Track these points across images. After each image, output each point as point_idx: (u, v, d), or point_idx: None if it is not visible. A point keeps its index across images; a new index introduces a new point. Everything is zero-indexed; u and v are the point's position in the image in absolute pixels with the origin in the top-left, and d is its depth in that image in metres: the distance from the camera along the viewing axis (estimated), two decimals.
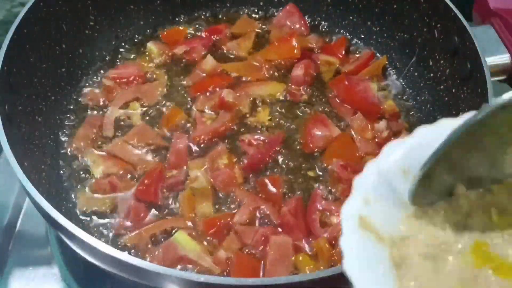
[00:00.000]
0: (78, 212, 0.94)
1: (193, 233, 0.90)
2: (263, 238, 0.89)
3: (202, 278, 0.67)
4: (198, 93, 1.11)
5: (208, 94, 1.10)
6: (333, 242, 0.89)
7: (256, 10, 1.28)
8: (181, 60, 1.18)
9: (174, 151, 1.00)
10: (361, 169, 0.97)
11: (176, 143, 1.01)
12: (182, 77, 1.15)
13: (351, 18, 1.23)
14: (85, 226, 0.92)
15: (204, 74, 1.14)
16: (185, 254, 0.86)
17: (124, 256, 0.68)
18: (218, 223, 0.91)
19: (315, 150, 1.02)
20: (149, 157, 1.01)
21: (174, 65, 1.17)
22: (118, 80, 1.12)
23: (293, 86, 1.12)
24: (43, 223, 1.06)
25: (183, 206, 0.94)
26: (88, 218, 0.94)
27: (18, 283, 0.98)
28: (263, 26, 1.24)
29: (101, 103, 1.09)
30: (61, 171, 0.99)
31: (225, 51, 1.20)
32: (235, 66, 1.16)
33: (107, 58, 1.17)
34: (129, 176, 0.99)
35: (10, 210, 1.07)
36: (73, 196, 0.96)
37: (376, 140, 1.04)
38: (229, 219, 0.92)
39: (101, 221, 0.93)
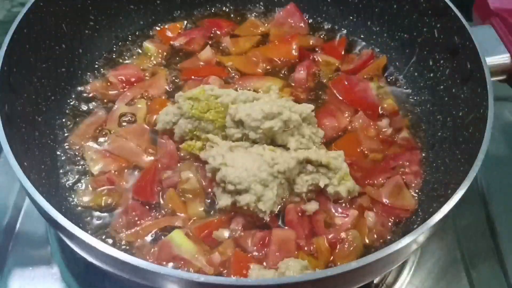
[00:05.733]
0: (77, 211, 0.94)
1: (190, 233, 0.91)
2: (261, 241, 0.89)
3: (202, 278, 0.67)
4: (191, 77, 1.13)
5: (197, 82, 1.11)
6: (335, 243, 0.90)
7: (256, 9, 1.29)
8: (180, 53, 1.19)
9: (164, 154, 1.00)
10: (367, 167, 0.98)
11: (165, 145, 1.01)
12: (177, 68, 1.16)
13: (351, 18, 1.24)
14: (84, 226, 0.92)
15: (202, 63, 1.16)
16: (179, 254, 0.87)
17: (123, 256, 0.69)
18: (210, 229, 0.91)
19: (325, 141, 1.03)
20: (145, 155, 1.01)
21: (173, 59, 1.18)
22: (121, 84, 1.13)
23: (297, 88, 1.13)
24: (43, 223, 1.06)
25: (171, 205, 0.94)
26: (87, 218, 0.94)
27: (18, 282, 0.99)
28: (264, 26, 1.25)
29: (103, 101, 1.10)
30: (61, 171, 1.00)
31: (224, 46, 1.21)
32: (232, 59, 1.17)
33: (107, 58, 1.17)
34: (126, 172, 0.99)
35: (10, 210, 1.08)
36: (72, 195, 0.96)
37: (380, 137, 1.05)
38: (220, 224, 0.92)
39: (100, 220, 0.93)
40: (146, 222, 0.92)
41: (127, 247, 0.90)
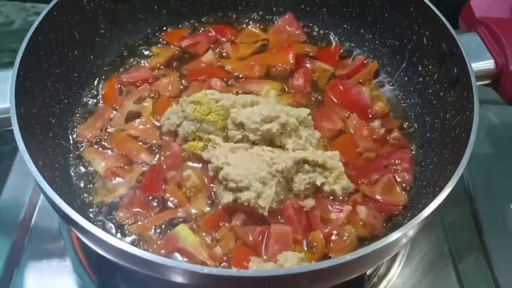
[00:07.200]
0: (88, 207, 0.98)
1: (194, 226, 0.94)
2: (261, 236, 0.92)
3: (206, 269, 0.70)
4: (194, 79, 1.17)
5: (201, 83, 1.16)
6: (330, 237, 0.93)
7: (255, 18, 1.33)
8: (186, 56, 1.23)
9: (169, 155, 1.04)
10: (361, 166, 1.03)
11: (169, 147, 1.05)
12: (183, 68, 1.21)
13: (345, 26, 1.28)
14: (94, 220, 0.96)
15: (204, 65, 1.21)
16: (184, 246, 0.90)
17: (131, 249, 0.72)
18: (214, 222, 0.95)
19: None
20: (151, 153, 1.05)
21: (179, 62, 1.22)
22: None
23: (296, 94, 1.17)
24: (56, 218, 1.10)
25: (174, 198, 0.98)
26: (97, 213, 0.97)
27: (33, 274, 1.03)
28: (263, 34, 1.29)
29: (112, 103, 1.13)
30: (72, 169, 1.03)
31: (225, 52, 1.25)
32: (232, 62, 1.22)
33: (116, 63, 1.22)
34: (132, 169, 1.02)
35: (25, 206, 1.12)
36: (84, 192, 1.00)
37: (374, 137, 1.09)
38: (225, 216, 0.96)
39: (109, 215, 0.97)
40: (152, 216, 0.96)
41: (135, 240, 0.93)
